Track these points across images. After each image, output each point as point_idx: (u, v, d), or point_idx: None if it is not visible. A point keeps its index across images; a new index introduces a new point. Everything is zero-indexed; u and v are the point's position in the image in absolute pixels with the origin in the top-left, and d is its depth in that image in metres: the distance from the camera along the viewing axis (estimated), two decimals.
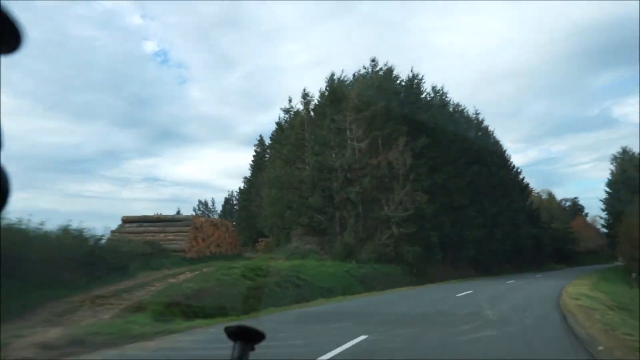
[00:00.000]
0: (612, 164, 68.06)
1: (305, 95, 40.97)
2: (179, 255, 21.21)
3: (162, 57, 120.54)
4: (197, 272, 15.29)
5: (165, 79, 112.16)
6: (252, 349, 1.21)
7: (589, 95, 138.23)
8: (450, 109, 49.57)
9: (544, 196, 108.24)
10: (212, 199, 77.09)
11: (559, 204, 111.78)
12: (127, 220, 23.55)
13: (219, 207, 71.77)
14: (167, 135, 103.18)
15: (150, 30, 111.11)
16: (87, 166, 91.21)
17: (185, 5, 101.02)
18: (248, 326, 1.20)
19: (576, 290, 17.35)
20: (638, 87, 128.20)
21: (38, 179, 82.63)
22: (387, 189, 30.75)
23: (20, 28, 0.67)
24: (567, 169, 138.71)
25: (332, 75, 37.17)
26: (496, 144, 58.71)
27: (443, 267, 34.55)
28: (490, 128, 56.44)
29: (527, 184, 63.46)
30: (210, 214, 70.80)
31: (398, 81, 38.63)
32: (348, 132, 32.55)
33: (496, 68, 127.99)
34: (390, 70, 38.03)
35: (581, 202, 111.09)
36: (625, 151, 66.49)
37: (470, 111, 53.28)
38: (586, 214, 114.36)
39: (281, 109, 46.34)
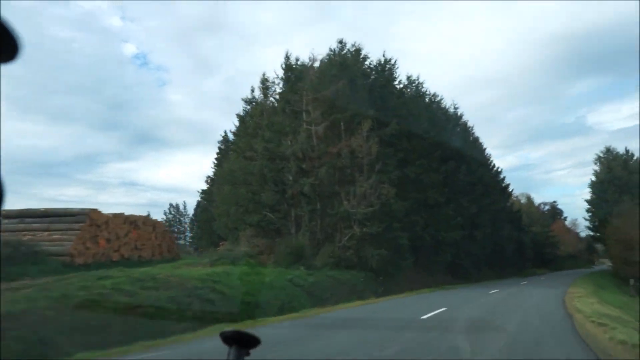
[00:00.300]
0: (595, 164, 64.90)
1: (264, 81, 35.87)
2: (62, 260, 15.96)
3: (142, 59, 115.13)
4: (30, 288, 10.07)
5: (144, 82, 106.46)
6: (248, 354, 1.20)
7: (565, 103, 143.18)
8: (427, 100, 45.18)
9: (523, 200, 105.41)
10: (184, 202, 71.30)
11: (537, 208, 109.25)
12: (6, 216, 18.20)
13: (190, 211, 66.30)
14: (146, 139, 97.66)
15: (130, 32, 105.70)
16: (63, 170, 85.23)
17: (166, 8, 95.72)
18: (244, 331, 1.18)
19: (589, 308, 12.63)
20: (620, 94, 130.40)
21: (12, 183, 75.89)
22: (349, 182, 25.90)
23: (17, 38, 0.71)
24: (545, 175, 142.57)
25: (288, 53, 32.09)
26: (476, 142, 54.64)
27: (415, 274, 29.90)
28: (470, 124, 52.35)
29: (508, 184, 59.57)
30: (182, 218, 65.53)
31: (367, 62, 33.85)
32: (304, 114, 27.64)
33: (476, 76, 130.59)
34: (358, 51, 33.23)
35: (559, 206, 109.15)
36: (609, 150, 63.19)
37: (448, 103, 49.07)
38: (565, 218, 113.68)
39: (242, 99, 41.07)
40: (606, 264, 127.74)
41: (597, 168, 63.04)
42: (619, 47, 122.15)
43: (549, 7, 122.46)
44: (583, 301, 15.06)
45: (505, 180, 59.33)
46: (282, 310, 15.53)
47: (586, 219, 58.35)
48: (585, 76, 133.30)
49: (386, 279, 25.88)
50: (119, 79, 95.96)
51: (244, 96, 38.81)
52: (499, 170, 58.08)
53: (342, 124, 27.28)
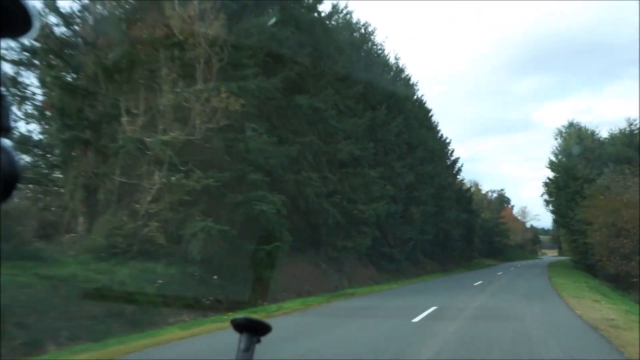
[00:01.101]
0: (556, 139, 55.58)
1: None
2: None
3: None
4: None
5: None
6: (259, 340, 1.23)
7: (512, 100, 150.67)
8: (357, 35, 33.15)
9: (471, 187, 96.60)
10: None
11: (485, 195, 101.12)
12: None
13: None
14: None
15: None
16: None
17: None
18: (255, 318, 1.22)
19: None
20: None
21: None
22: (148, 88, 13.09)
23: (30, 11, 0.69)
24: (491, 168, 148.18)
25: None
26: (420, 102, 43.43)
27: (302, 270, 17.79)
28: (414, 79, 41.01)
29: (458, 159, 48.88)
30: None
31: None
32: None
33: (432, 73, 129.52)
34: None
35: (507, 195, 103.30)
36: (572, 124, 53.84)
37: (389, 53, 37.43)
38: (512, 207, 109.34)
39: None
40: (547, 255, 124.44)
41: (557, 144, 53.73)
42: (561, 49, 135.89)
43: (500, 10, 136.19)
44: None
45: (454, 155, 48.70)
46: None
47: (547, 201, 48.50)
48: (530, 75, 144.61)
49: (232, 278, 13.60)
50: None
51: None
52: (448, 140, 47.24)
53: None
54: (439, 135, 45.32)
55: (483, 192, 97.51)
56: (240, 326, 1.23)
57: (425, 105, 43.24)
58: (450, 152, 46.34)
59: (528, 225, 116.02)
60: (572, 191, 38.95)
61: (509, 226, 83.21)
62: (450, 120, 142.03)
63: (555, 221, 41.77)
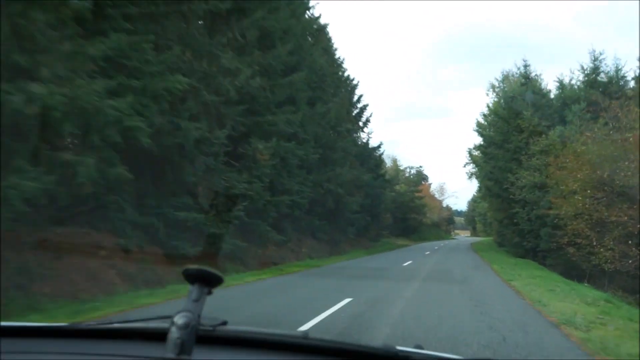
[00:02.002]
0: (487, 94, 45.76)
1: None
2: None
3: None
4: None
5: None
6: (210, 292, 1.17)
7: (435, 86, 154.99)
8: None
9: (389, 163, 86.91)
10: None
11: (403, 172, 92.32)
12: None
13: None
14: None
15: None
16: None
17: None
18: (208, 269, 1.15)
19: None
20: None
21: None
22: None
23: None
24: (411, 150, 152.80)
25: None
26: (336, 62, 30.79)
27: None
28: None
29: (366, 106, 36.58)
30: None
31: None
32: None
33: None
34: None
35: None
36: (507, 77, 43.64)
37: None
38: (430, 184, 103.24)
39: None
40: (460, 235, 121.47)
41: (491, 100, 43.45)
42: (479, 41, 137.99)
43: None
44: None
45: (366, 110, 36.37)
46: None
47: (472, 173, 37.95)
48: (450, 64, 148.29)
49: None
50: None
51: None
52: (360, 97, 34.70)
53: None
54: (348, 81, 32.77)
55: (402, 168, 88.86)
56: (192, 277, 1.16)
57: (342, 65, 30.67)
58: (352, 85, 33.85)
59: (445, 204, 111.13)
60: (512, 149, 27.94)
61: (425, 202, 74.10)
62: (376, 104, 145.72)
63: (487, 189, 30.70)
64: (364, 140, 35.96)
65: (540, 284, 11.18)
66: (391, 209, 54.68)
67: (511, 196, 26.36)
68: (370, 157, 35.76)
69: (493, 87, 45.76)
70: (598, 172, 13.90)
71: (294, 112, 17.90)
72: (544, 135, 25.84)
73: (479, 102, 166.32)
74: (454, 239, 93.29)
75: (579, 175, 14.78)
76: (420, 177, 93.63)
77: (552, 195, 18.60)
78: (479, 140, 42.69)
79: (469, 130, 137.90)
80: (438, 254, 28.04)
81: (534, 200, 24.03)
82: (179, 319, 1.06)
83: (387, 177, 41.59)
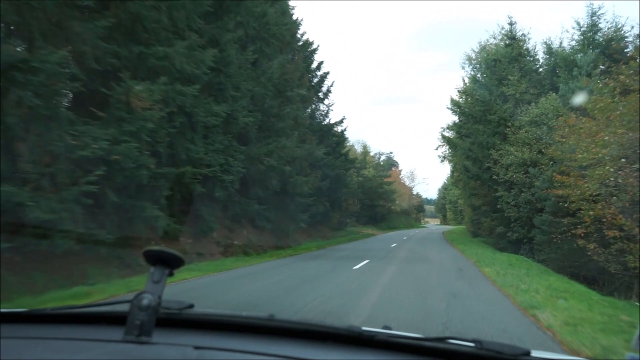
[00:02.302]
0: (464, 67, 41.68)
1: None
2: None
3: None
4: None
5: None
6: (171, 274, 1.15)
7: (410, 73, 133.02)
8: None
9: (358, 149, 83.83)
10: None
11: (372, 158, 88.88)
12: None
13: None
14: None
15: None
16: None
17: None
18: (169, 250, 1.14)
19: None
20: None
21: None
22: None
23: None
24: (381, 137, 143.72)
25: None
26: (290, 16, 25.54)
27: None
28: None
29: (331, 88, 31.60)
30: None
31: None
32: None
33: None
34: None
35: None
36: (484, 48, 39.30)
37: None
38: (400, 170, 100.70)
39: None
40: (430, 223, 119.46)
41: (466, 75, 39.38)
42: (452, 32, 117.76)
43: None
44: None
45: (327, 79, 31.38)
46: None
47: (445, 157, 33.50)
48: (425, 51, 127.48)
49: None
50: None
51: None
52: (315, 47, 29.63)
53: None
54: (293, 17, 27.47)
55: (372, 154, 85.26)
56: (153, 258, 1.14)
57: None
58: (310, 49, 28.78)
59: (415, 192, 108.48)
60: (495, 121, 23.37)
61: (395, 188, 70.00)
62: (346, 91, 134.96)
63: (465, 170, 26.12)
64: (324, 113, 30.94)
65: (589, 314, 6.14)
66: (357, 194, 50.23)
67: (494, 177, 21.85)
68: (330, 133, 30.78)
69: (469, 59, 41.42)
70: None
71: (218, 56, 12.67)
72: (533, 104, 21.37)
73: (452, 87, 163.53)
74: (424, 227, 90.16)
75: (607, 138, 10.17)
76: (390, 164, 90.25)
77: (555, 171, 14.09)
78: (453, 121, 38.60)
79: (440, 116, 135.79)
80: (407, 246, 23.41)
81: (523, 181, 19.57)
82: (139, 301, 1.04)
83: (349, 157, 36.67)
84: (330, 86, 31.71)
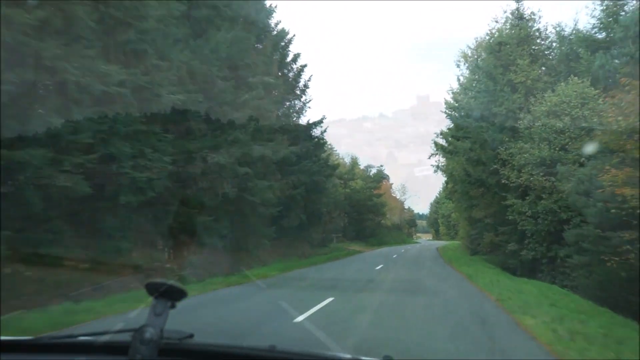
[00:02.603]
0: (458, 64, 38.24)
1: None
2: None
3: None
4: None
5: None
6: (173, 306, 1.15)
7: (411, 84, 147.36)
8: None
9: (347, 160, 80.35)
10: None
11: (363, 171, 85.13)
12: None
13: None
14: None
15: None
16: None
17: None
18: (172, 283, 1.14)
19: None
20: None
21: None
22: None
23: None
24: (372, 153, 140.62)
25: None
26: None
27: None
28: None
29: (308, 83, 27.55)
30: None
31: None
32: None
33: None
34: None
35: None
36: (480, 44, 35.70)
37: None
38: (392, 184, 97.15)
39: None
40: (422, 238, 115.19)
41: (461, 70, 35.69)
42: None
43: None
44: None
45: (304, 73, 27.34)
46: None
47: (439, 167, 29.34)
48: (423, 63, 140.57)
49: None
50: None
51: None
52: (290, 37, 25.59)
53: None
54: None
55: (362, 167, 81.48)
56: (155, 290, 1.14)
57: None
58: (284, 38, 24.72)
59: (407, 206, 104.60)
60: (504, 114, 19.18)
61: (385, 200, 65.80)
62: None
63: (466, 175, 21.79)
64: (299, 109, 26.74)
65: None
66: (344, 206, 46.02)
67: (502, 181, 17.63)
68: (307, 134, 26.48)
69: (465, 56, 37.72)
70: None
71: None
72: (549, 91, 17.29)
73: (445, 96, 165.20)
74: (417, 242, 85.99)
75: None
76: (381, 177, 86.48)
77: (608, 164, 9.91)
78: (447, 126, 34.87)
79: (433, 129, 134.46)
80: (396, 269, 18.94)
81: (542, 185, 15.35)
82: (141, 334, 1.04)
83: (330, 162, 32.41)
84: (308, 81, 27.58)
